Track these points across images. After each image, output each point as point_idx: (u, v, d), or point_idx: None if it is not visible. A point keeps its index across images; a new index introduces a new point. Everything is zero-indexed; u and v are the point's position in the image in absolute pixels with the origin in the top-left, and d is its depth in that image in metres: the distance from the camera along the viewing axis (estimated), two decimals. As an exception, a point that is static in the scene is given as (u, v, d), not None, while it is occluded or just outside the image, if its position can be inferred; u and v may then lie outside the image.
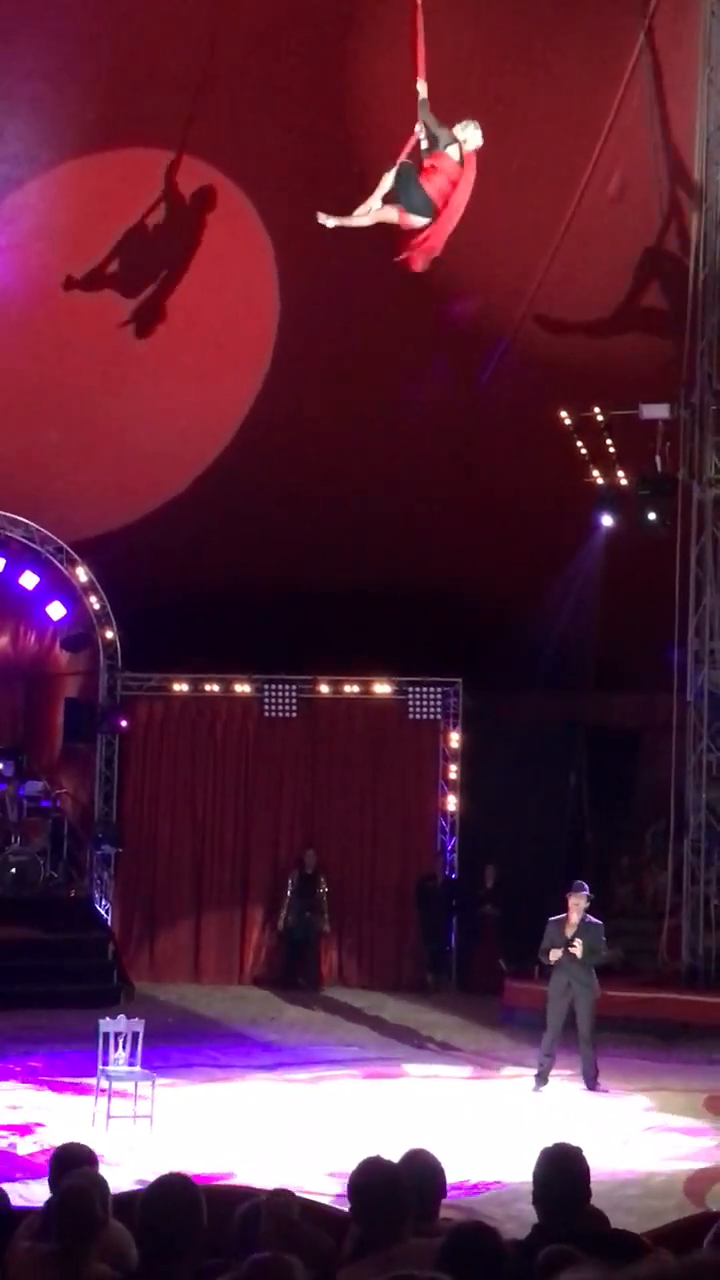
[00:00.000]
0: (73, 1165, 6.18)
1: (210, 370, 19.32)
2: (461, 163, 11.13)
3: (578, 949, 14.34)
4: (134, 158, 17.76)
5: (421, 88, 11.04)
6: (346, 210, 11.41)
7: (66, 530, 20.66)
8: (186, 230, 18.13)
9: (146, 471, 19.82)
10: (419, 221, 11.13)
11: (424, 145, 11.13)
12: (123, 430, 19.46)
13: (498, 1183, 10.77)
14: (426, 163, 11.08)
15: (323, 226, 11.47)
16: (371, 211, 11.22)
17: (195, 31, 16.62)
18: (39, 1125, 12.54)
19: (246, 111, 17.14)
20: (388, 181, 11.09)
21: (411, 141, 11.10)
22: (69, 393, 19.08)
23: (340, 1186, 6.25)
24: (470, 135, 11.15)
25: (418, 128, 11.11)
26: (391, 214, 11.12)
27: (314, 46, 16.90)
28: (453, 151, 11.09)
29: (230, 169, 17.84)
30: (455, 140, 11.09)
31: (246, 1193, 6.77)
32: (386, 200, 11.12)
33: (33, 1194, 8.65)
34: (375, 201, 11.16)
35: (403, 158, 11.17)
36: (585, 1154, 5.54)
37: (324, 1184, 10.02)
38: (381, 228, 11.57)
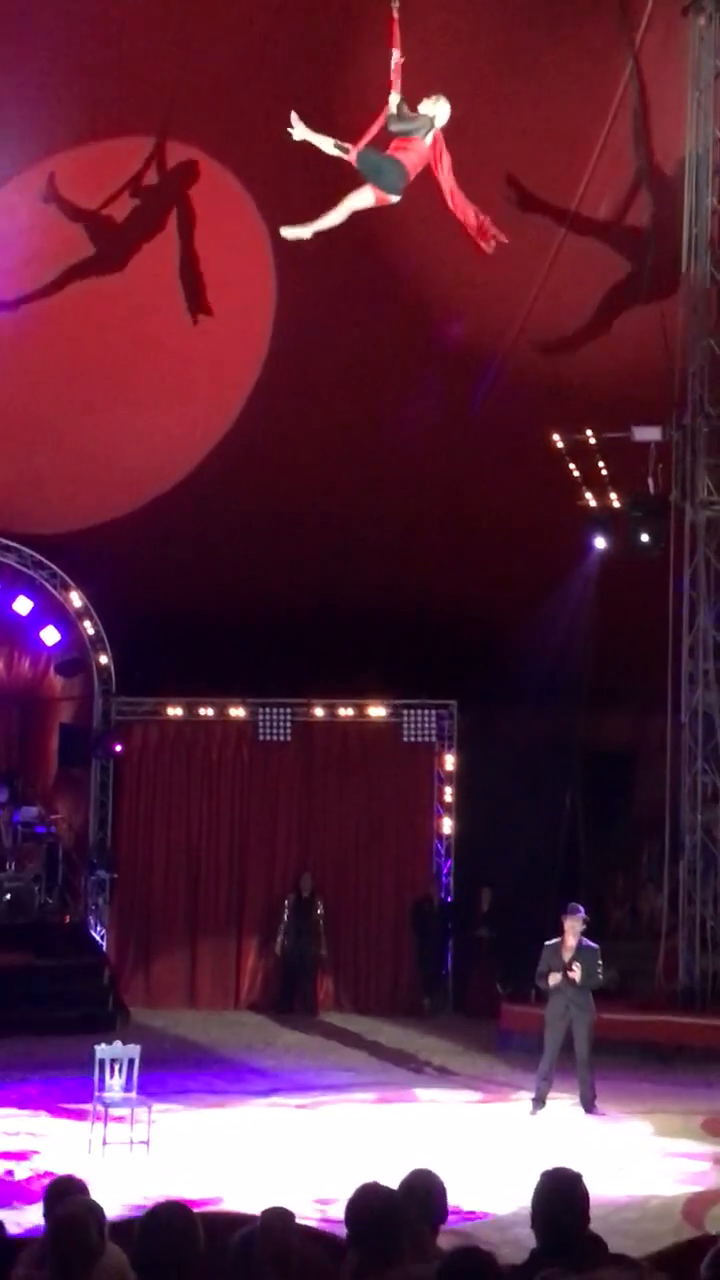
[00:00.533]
0: (66, 1196, 6.15)
1: (201, 391, 19.35)
2: (430, 142, 11.07)
3: (576, 974, 14.31)
4: (126, 147, 17.76)
5: (393, 101, 11.02)
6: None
7: (60, 555, 20.66)
8: (167, 202, 18.17)
9: (139, 493, 19.82)
10: (395, 197, 11.08)
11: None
12: (114, 451, 19.46)
13: (494, 1209, 10.73)
14: (393, 143, 11.05)
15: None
16: (340, 208, 11.13)
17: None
18: (35, 1152, 12.50)
19: (254, 116, 17.04)
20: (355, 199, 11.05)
21: (352, 154, 11.02)
22: (59, 413, 19.10)
23: (330, 1212, 6.24)
24: (440, 110, 11.10)
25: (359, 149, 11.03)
26: (366, 197, 11.06)
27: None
28: (428, 138, 11.06)
29: (234, 181, 17.84)
30: (431, 125, 11.06)
31: (244, 1219, 6.75)
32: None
33: (28, 1220, 8.62)
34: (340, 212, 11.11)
35: (360, 147, 11.06)
36: (584, 1178, 5.52)
37: (315, 1210, 9.99)
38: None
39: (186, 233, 18.39)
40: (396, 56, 10.98)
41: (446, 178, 11.19)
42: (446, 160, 11.16)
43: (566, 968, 14.34)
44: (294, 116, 11.14)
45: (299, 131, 11.17)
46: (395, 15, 10.98)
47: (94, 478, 19.76)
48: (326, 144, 11.05)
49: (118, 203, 18.24)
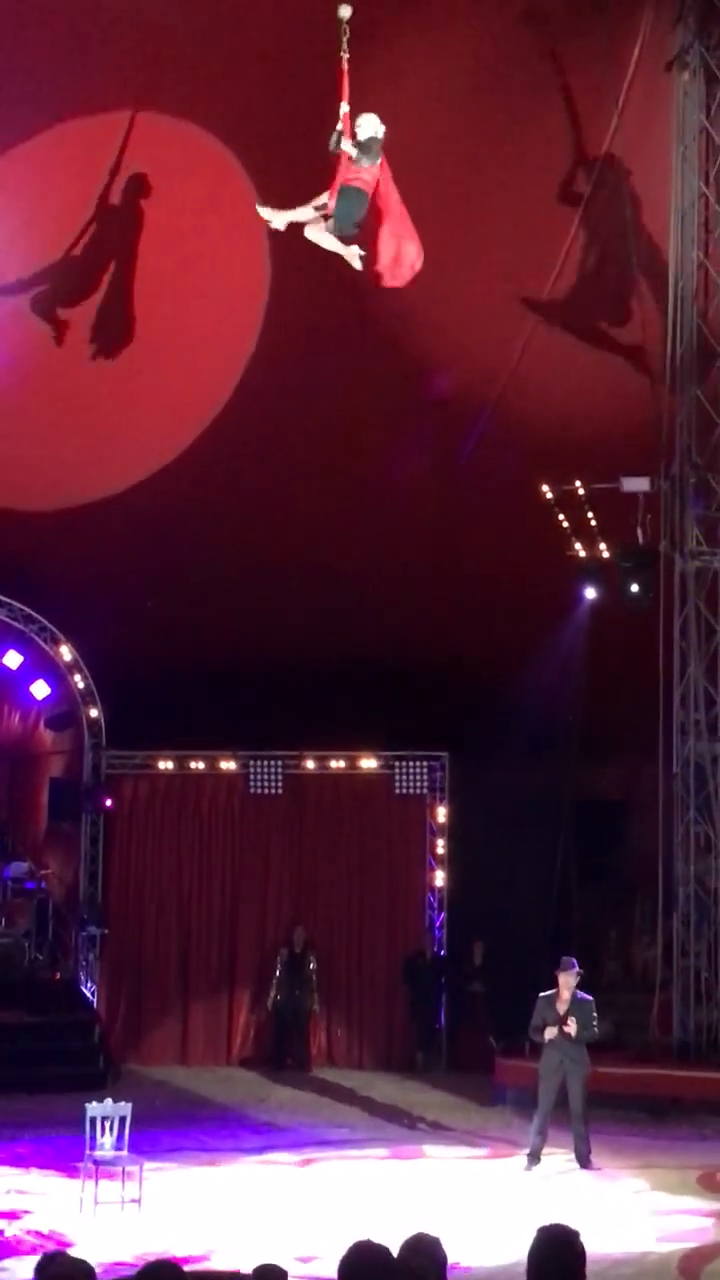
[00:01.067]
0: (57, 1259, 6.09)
1: (188, 442, 19.37)
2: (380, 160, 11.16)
3: (572, 1028, 14.22)
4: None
5: (348, 148, 11.06)
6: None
7: (51, 608, 20.65)
8: (124, 224, 18.05)
9: (128, 543, 19.79)
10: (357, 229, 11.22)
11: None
12: (101, 505, 19.45)
13: (490, 1265, 10.64)
14: (351, 172, 11.12)
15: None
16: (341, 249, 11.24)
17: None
18: (26, 1211, 12.38)
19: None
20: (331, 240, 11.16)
21: (331, 204, 11.09)
22: (43, 465, 19.09)
23: (322, 1270, 6.17)
24: (377, 126, 11.06)
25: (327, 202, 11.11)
26: (336, 244, 11.17)
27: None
28: (378, 158, 11.12)
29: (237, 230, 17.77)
30: (379, 144, 11.10)
31: (236, 1277, 6.68)
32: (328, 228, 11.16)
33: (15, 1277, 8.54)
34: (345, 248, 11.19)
35: (335, 196, 11.14)
36: (580, 1234, 5.47)
37: (306, 1267, 9.89)
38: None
39: (125, 268, 18.23)
40: (344, 108, 11.03)
41: (391, 191, 11.30)
42: (389, 179, 11.27)
43: (562, 1022, 14.25)
44: (265, 210, 11.22)
45: (277, 220, 11.25)
46: (345, 67, 11.03)
47: (89, 536, 19.71)
48: (307, 213, 11.14)
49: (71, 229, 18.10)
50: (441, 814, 20.89)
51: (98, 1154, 12.36)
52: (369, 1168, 14.59)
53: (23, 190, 17.66)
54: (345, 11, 11.00)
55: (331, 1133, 16.27)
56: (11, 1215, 12.21)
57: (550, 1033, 14.28)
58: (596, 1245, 8.14)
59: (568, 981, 14.42)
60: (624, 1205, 12.95)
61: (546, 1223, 5.50)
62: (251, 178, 17.08)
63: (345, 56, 11.03)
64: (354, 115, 11.04)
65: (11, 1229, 11.78)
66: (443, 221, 17.51)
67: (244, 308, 18.17)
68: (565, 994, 14.40)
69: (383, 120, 11.10)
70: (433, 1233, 5.92)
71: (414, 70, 16.40)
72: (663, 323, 18.01)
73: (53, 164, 17.48)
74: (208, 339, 18.65)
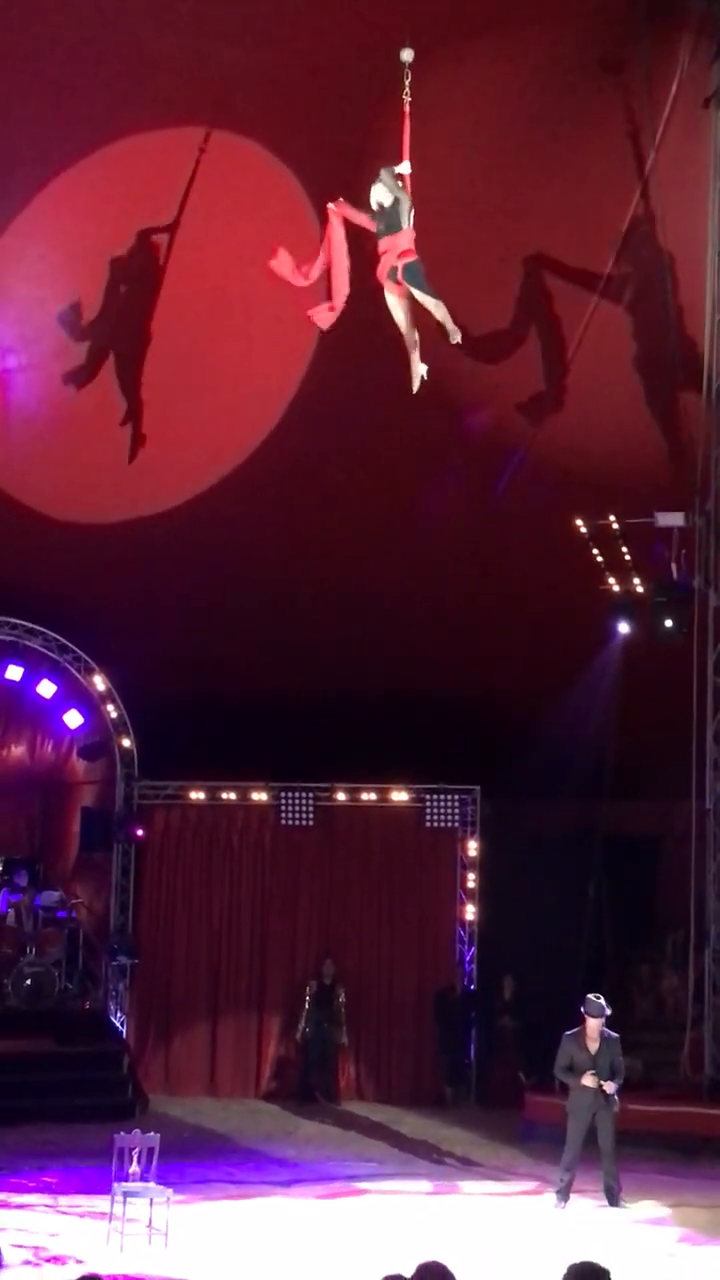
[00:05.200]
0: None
1: (221, 479, 19.42)
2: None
3: (610, 1087, 14.06)
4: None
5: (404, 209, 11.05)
6: None
7: (85, 638, 20.71)
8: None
9: (161, 574, 19.84)
10: None
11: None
12: (135, 536, 19.50)
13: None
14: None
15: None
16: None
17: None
18: (53, 1238, 12.35)
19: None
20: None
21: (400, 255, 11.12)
22: (78, 496, 19.18)
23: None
24: (384, 193, 10.95)
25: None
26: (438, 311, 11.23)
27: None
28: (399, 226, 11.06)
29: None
30: (395, 211, 11.02)
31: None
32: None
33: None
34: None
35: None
36: (611, 1273, 5.44)
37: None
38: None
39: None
40: (405, 167, 10.91)
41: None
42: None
43: (595, 1068, 14.07)
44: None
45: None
46: (407, 111, 10.80)
47: (123, 568, 19.77)
48: (430, 302, 11.17)
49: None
50: (472, 848, 20.84)
51: (125, 1185, 12.34)
52: (396, 1203, 14.51)
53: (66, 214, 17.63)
54: (408, 55, 10.78)
55: (359, 1167, 16.20)
56: (39, 1246, 12.18)
57: (588, 1080, 14.09)
58: (626, 1284, 8.10)
59: (595, 1022, 14.26)
60: (653, 1244, 12.85)
61: (576, 1260, 5.48)
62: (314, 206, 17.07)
63: (408, 101, 10.81)
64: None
65: (39, 1259, 11.75)
66: (478, 258, 17.61)
67: (294, 341, 18.16)
68: (593, 1033, 14.26)
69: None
70: (442, 1261, 5.90)
71: (438, 115, 16.45)
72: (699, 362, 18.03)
73: (106, 183, 17.36)
74: (256, 370, 18.68)
